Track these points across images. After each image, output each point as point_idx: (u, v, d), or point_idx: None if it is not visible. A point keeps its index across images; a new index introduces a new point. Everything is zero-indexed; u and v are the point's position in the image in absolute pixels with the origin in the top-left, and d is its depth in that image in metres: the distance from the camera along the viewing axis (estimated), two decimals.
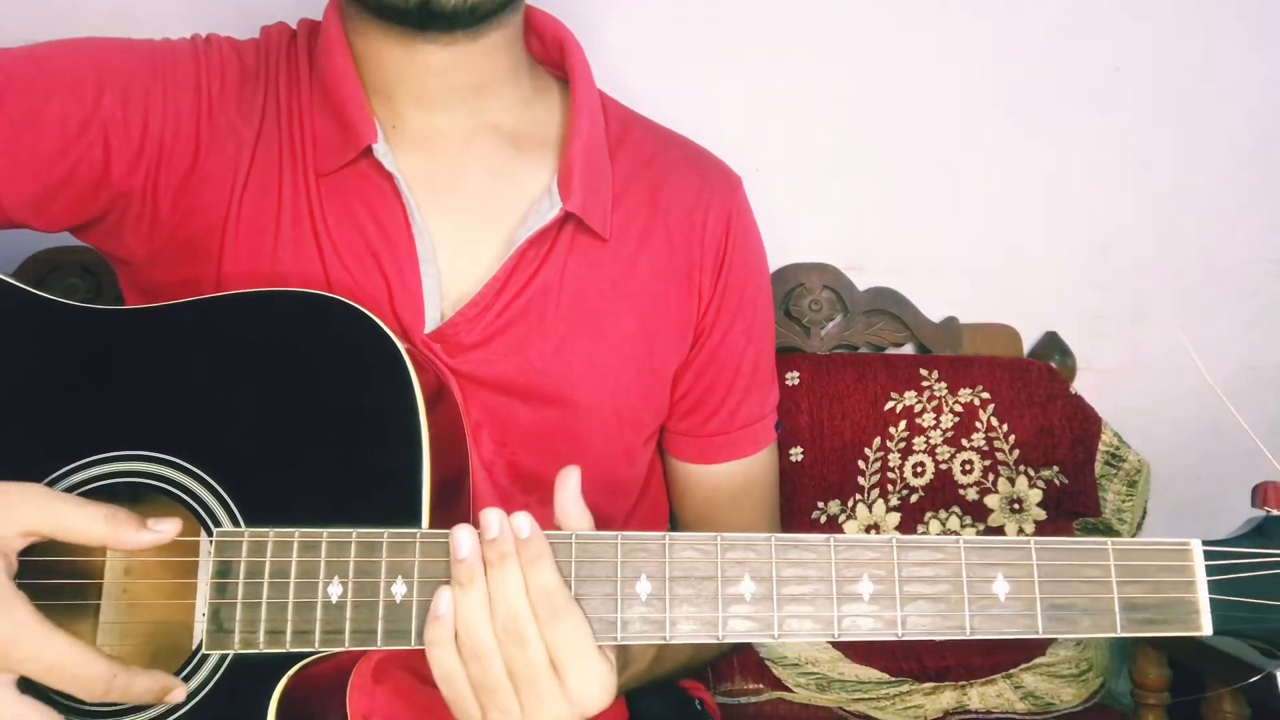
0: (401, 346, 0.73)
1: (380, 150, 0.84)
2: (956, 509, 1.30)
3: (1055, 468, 1.30)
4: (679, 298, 0.94)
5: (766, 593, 0.66)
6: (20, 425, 0.74)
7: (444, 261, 0.86)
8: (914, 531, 1.30)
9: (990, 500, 1.30)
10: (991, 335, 1.40)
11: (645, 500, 1.01)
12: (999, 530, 1.30)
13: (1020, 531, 1.30)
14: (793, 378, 1.30)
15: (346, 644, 0.67)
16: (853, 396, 1.30)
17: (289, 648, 0.68)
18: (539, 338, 0.87)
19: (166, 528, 0.68)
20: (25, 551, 0.66)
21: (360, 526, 0.68)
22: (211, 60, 0.88)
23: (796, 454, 1.29)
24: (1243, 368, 1.44)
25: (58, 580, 0.73)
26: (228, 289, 0.78)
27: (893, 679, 1.28)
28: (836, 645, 1.28)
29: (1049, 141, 1.39)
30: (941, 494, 1.30)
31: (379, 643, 0.67)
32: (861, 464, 1.29)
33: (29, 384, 0.75)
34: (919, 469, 1.30)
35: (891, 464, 1.29)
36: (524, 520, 0.66)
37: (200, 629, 0.70)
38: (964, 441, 1.30)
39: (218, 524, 0.70)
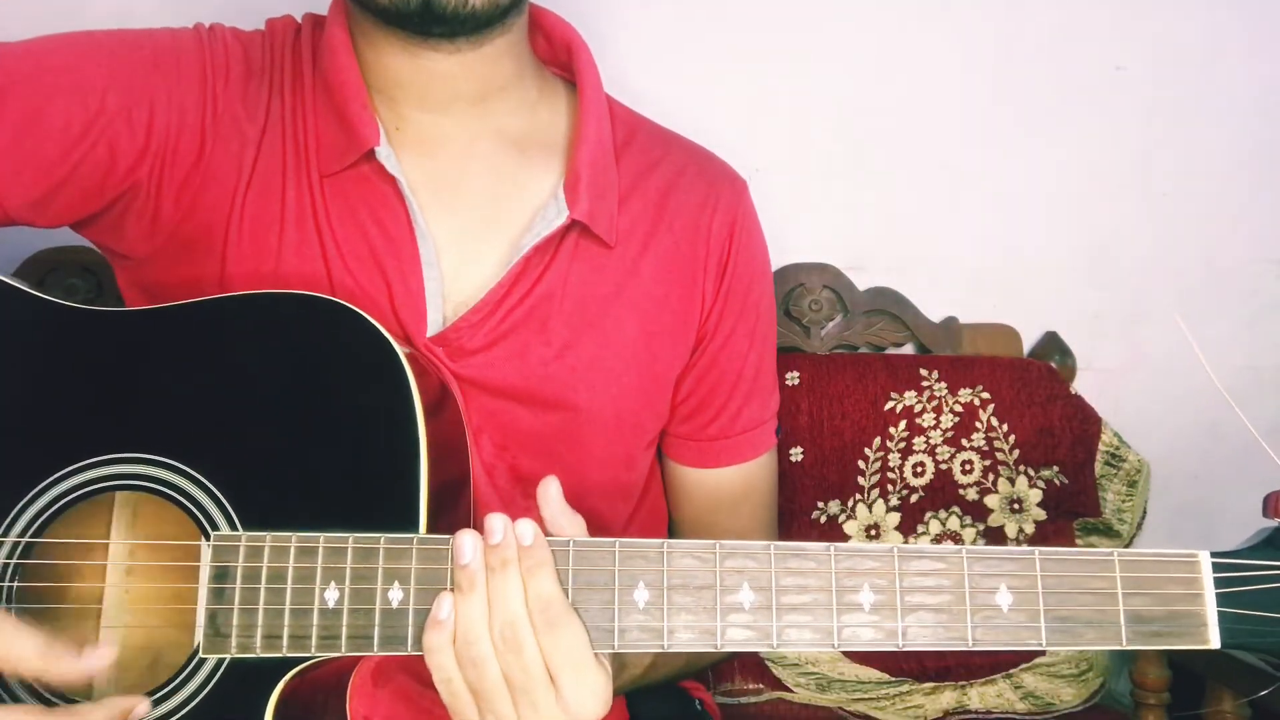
0: (401, 351, 0.72)
1: (383, 153, 0.84)
2: (956, 509, 1.30)
3: (1055, 468, 1.30)
4: (682, 301, 0.93)
5: (766, 602, 0.66)
6: (18, 427, 0.74)
7: (447, 265, 0.86)
8: (914, 531, 1.30)
9: (990, 500, 1.30)
10: (991, 335, 1.39)
11: (645, 504, 1.01)
12: (999, 530, 1.30)
13: (1020, 531, 1.30)
14: (793, 378, 1.30)
15: (343, 649, 0.67)
16: (853, 396, 1.30)
17: (285, 652, 0.67)
18: (541, 343, 0.87)
19: (98, 661, 0.66)
20: (26, 555, 0.66)
21: (357, 531, 0.68)
22: (216, 52, 0.86)
23: (796, 454, 1.28)
24: (1243, 368, 1.44)
25: (59, 584, 0.73)
26: (231, 289, 0.78)
27: (893, 679, 1.28)
28: None
29: (1049, 141, 1.38)
30: (941, 494, 1.30)
31: (375, 648, 0.67)
32: (861, 464, 1.29)
33: (27, 386, 0.75)
34: (919, 469, 1.29)
35: (891, 464, 1.29)
36: (528, 527, 0.66)
37: (199, 633, 0.70)
38: (964, 441, 1.30)
39: (215, 528, 0.70)
